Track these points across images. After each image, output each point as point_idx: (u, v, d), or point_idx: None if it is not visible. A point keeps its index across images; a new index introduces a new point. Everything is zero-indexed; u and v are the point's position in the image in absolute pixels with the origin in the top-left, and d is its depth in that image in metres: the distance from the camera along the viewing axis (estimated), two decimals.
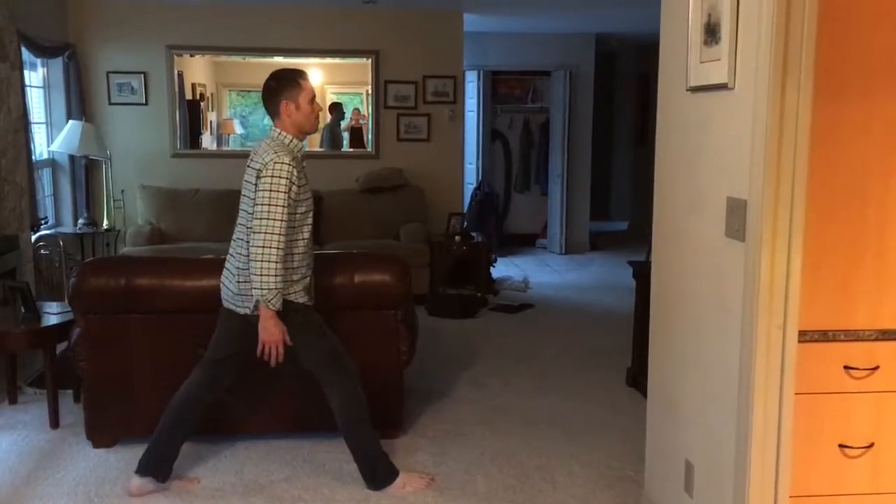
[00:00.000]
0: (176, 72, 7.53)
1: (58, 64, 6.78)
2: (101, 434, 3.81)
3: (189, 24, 7.29)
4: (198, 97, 9.70)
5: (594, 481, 3.55)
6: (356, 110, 10.34)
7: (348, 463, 3.62)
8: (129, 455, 3.71)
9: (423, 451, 3.84)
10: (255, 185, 3.11)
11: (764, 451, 2.31)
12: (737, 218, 2.35)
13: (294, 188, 3.10)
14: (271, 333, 3.15)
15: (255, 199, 3.10)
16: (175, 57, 7.42)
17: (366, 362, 3.55)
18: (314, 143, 11.30)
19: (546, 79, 9.94)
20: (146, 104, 7.31)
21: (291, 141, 3.23)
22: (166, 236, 6.94)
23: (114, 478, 3.51)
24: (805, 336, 2.32)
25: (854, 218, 2.33)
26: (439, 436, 4.03)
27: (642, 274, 4.36)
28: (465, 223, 7.80)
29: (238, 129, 11.11)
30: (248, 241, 3.14)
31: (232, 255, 3.29)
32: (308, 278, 3.30)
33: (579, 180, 9.63)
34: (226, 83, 10.88)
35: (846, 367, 2.38)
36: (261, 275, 3.05)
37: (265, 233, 3.04)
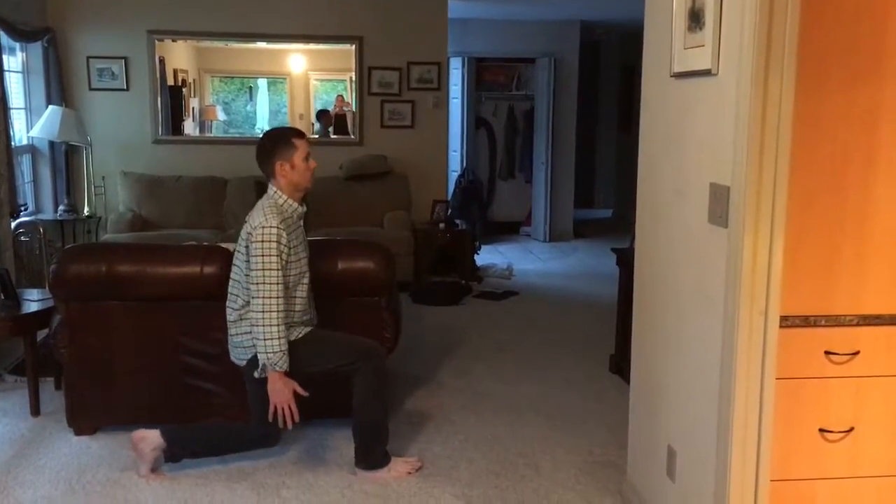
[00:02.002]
0: (157, 57, 7.45)
1: (37, 48, 6.70)
2: (83, 421, 3.79)
3: (170, 9, 7.21)
4: (180, 83, 9.62)
5: (577, 467, 3.57)
6: (340, 97, 10.30)
7: (332, 450, 3.63)
8: (111, 442, 3.70)
9: (406, 437, 3.84)
10: (247, 248, 3.15)
11: (745, 435, 2.33)
12: (720, 204, 2.36)
13: (285, 250, 3.13)
14: (281, 394, 3.17)
15: (248, 264, 3.14)
16: (156, 42, 7.34)
17: None
18: None
19: (531, 66, 9.93)
20: (127, 90, 7.22)
21: (286, 201, 3.25)
22: (148, 223, 6.89)
23: (95, 465, 3.50)
24: (786, 321, 2.34)
25: (835, 205, 2.34)
26: (423, 422, 4.03)
27: (626, 261, 4.37)
28: (450, 210, 7.79)
29: (221, 116, 11.03)
30: (243, 299, 3.21)
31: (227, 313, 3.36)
32: (307, 321, 3.35)
33: (563, 168, 9.64)
34: (208, 69, 10.78)
35: (827, 353, 2.39)
36: (264, 339, 3.11)
37: (263, 297, 3.10)
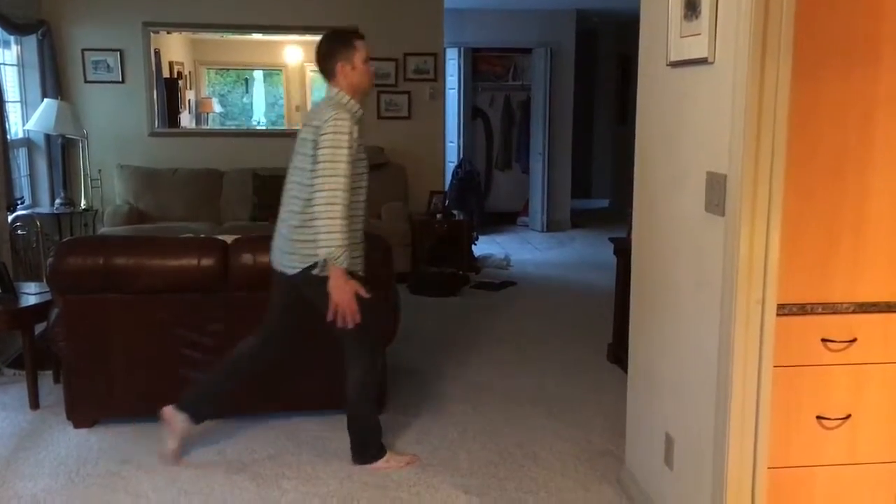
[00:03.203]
0: (153, 49, 7.43)
1: (31, 41, 6.67)
2: (82, 414, 3.79)
3: (165, 1, 7.18)
4: (175, 75, 9.60)
5: (575, 456, 3.58)
6: None
7: (331, 441, 3.64)
8: (110, 435, 3.71)
9: (405, 428, 3.85)
10: (315, 142, 3.07)
11: (743, 423, 2.34)
12: (716, 193, 2.36)
13: (354, 145, 3.07)
14: (343, 291, 3.08)
15: (316, 157, 3.05)
16: (151, 34, 7.31)
17: None
18: (295, 122, 11.23)
19: (527, 56, 9.91)
20: (123, 82, 7.20)
21: (349, 101, 3.20)
22: (145, 216, 6.88)
23: (94, 458, 3.50)
24: (783, 309, 2.34)
25: (832, 193, 2.35)
26: (422, 413, 4.04)
27: (623, 250, 4.37)
28: (447, 201, 7.79)
29: (217, 108, 11.02)
30: (306, 200, 3.10)
31: (283, 220, 3.26)
32: (362, 245, 3.27)
33: (560, 158, 9.64)
34: (204, 61, 10.76)
35: (824, 340, 2.40)
36: (327, 232, 3.01)
37: (329, 190, 3.01)
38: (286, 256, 3.24)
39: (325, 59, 3.22)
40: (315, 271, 3.12)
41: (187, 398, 3.43)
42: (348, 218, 3.05)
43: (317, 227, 3.03)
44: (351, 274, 3.13)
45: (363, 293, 3.13)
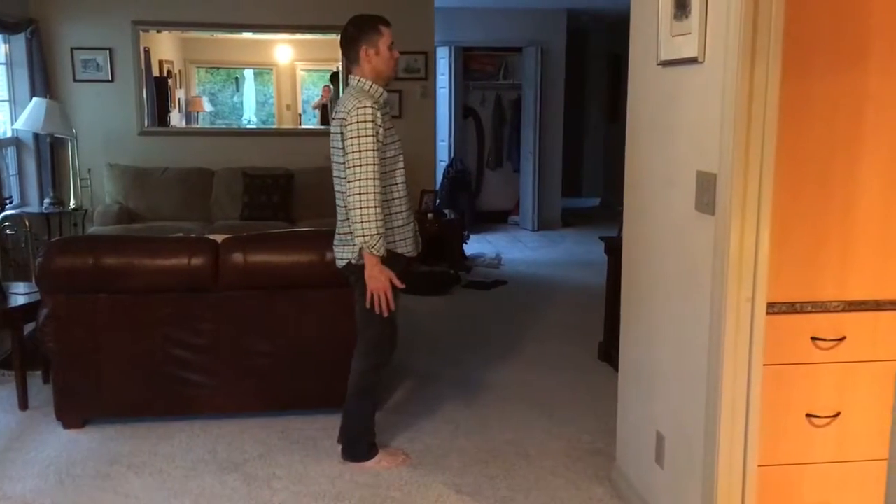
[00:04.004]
0: (142, 48, 7.40)
1: (20, 40, 6.64)
2: (71, 415, 3.77)
3: None
4: (165, 74, 9.56)
5: (566, 454, 3.58)
6: (326, 87, 10.26)
7: (322, 440, 3.63)
8: (100, 435, 3.69)
9: (397, 426, 3.85)
10: (342, 134, 3.09)
11: (733, 421, 2.35)
12: (707, 192, 2.37)
13: (381, 130, 3.08)
14: (377, 280, 3.10)
15: (344, 148, 3.07)
16: (141, 33, 7.28)
17: (339, 340, 3.54)
18: (285, 121, 11.22)
19: (518, 55, 9.92)
20: (112, 81, 7.17)
21: (371, 87, 3.20)
22: (135, 215, 6.85)
23: (84, 458, 3.49)
24: (773, 308, 2.35)
25: (821, 192, 2.36)
26: (413, 411, 4.04)
27: (614, 249, 4.38)
28: (438, 200, 7.79)
29: (207, 107, 10.98)
30: (344, 193, 3.13)
31: (338, 216, 3.29)
32: (411, 225, 3.29)
33: (551, 157, 9.65)
34: (194, 60, 10.73)
35: (813, 339, 2.41)
36: (361, 221, 3.03)
37: (359, 179, 3.03)
38: (336, 249, 3.30)
39: (350, 43, 3.23)
40: (353, 259, 3.16)
41: (348, 441, 3.47)
42: (382, 205, 3.07)
43: (352, 217, 3.06)
44: (397, 255, 3.18)
45: (398, 283, 3.15)
